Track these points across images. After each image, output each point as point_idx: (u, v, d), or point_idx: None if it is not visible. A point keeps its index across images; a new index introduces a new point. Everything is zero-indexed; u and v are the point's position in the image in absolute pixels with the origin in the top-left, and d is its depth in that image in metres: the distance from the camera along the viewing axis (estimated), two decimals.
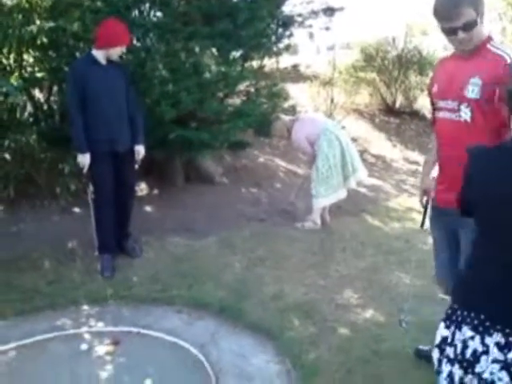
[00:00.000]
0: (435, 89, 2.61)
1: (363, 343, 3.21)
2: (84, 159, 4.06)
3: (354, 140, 8.59)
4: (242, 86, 5.91)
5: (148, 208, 5.48)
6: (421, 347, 3.06)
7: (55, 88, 5.38)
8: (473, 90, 2.38)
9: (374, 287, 3.96)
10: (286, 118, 5.34)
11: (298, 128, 5.12)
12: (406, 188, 7.03)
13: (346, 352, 3.12)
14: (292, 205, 5.50)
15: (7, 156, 5.14)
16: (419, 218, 3.10)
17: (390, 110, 10.10)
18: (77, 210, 5.25)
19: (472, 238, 1.78)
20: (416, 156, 8.53)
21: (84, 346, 3.29)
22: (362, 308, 3.66)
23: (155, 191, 5.87)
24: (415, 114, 10.08)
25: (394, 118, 9.95)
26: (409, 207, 5.93)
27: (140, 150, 4.28)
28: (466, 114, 2.43)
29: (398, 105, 10.18)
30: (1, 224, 4.97)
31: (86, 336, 3.39)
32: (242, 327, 3.44)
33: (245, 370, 3.00)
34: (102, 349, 3.25)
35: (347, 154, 5.13)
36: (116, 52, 4.09)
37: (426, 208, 2.86)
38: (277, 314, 3.56)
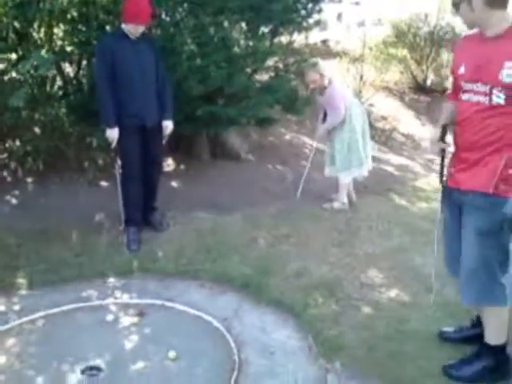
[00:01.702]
0: (462, 71, 2.51)
1: (387, 322, 3.19)
2: (112, 134, 4.08)
3: (383, 118, 8.49)
4: (270, 62, 5.84)
5: (174, 183, 5.50)
6: (445, 329, 3.04)
7: (84, 62, 5.39)
8: (508, 75, 2.31)
9: (399, 267, 3.93)
10: (325, 69, 4.89)
11: (337, 85, 4.89)
12: (434, 168, 6.91)
13: (368, 330, 3.11)
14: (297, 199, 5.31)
15: (37, 129, 5.20)
16: None
17: (420, 87, 9.89)
18: (104, 183, 5.31)
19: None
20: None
21: (110, 317, 3.35)
22: (387, 287, 3.63)
23: (182, 167, 5.88)
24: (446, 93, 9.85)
25: (425, 96, 9.74)
26: (437, 187, 5.78)
27: (168, 125, 4.28)
28: (498, 97, 2.35)
29: (428, 83, 9.96)
30: (31, 196, 5.07)
31: (112, 307, 3.46)
32: (264, 303, 3.46)
33: (266, 343, 3.02)
34: (127, 320, 3.31)
35: (366, 136, 5.05)
36: (138, 29, 4.06)
37: (443, 158, 2.77)
38: (300, 290, 3.57)
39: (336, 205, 5.07)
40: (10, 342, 3.10)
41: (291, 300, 3.44)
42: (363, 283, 3.68)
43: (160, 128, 4.26)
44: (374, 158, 5.75)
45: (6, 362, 2.92)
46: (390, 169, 6.52)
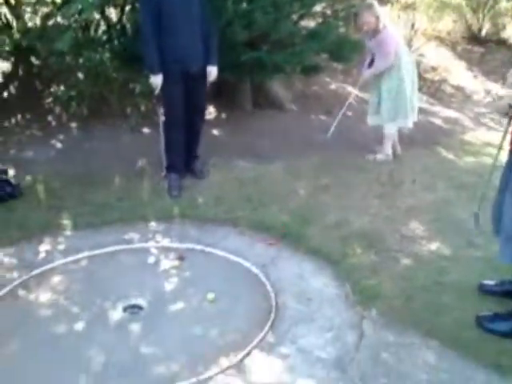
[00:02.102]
0: None
1: (426, 274, 3.15)
2: (156, 80, 4.07)
3: (433, 69, 8.18)
4: (318, 8, 5.65)
5: (215, 131, 5.49)
6: (486, 282, 2.98)
7: (128, 6, 5.35)
8: None
9: (442, 221, 3.84)
10: (380, 12, 4.67)
11: (391, 30, 4.71)
12: (484, 121, 6.67)
13: (407, 281, 3.09)
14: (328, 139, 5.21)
15: (81, 75, 5.24)
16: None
17: (474, 37, 9.44)
18: (146, 130, 5.35)
19: None
20: (498, 88, 8.01)
21: (151, 259, 3.43)
22: (428, 240, 3.57)
23: (223, 115, 5.85)
24: (502, 43, 9.38)
25: (479, 46, 9.31)
26: (486, 142, 5.63)
27: (212, 71, 4.23)
28: None
29: (483, 32, 9.49)
30: (75, 141, 5.16)
31: (153, 250, 3.53)
32: (302, 251, 3.46)
33: (304, 290, 3.04)
34: (167, 263, 3.38)
35: (415, 86, 4.86)
36: None
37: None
38: (339, 240, 3.55)
39: (380, 156, 4.96)
40: (56, 279, 3.22)
41: (329, 249, 3.43)
42: (403, 235, 3.63)
43: (204, 74, 4.22)
44: (422, 110, 5.57)
45: (52, 298, 3.04)
46: (437, 121, 6.32)
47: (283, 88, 6.30)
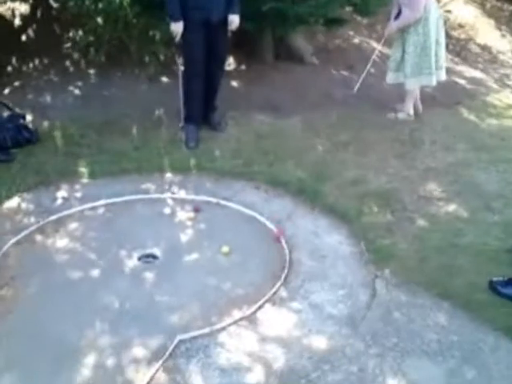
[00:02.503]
0: None
1: (442, 235, 3.14)
2: (177, 27, 3.98)
3: (460, 26, 7.92)
4: None
5: (234, 83, 5.41)
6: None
7: None
8: None
9: (460, 182, 3.79)
10: None
11: None
12: (509, 83, 6.49)
13: (422, 241, 3.08)
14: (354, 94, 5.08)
15: (100, 20, 5.14)
16: None
17: None
18: (165, 79, 5.28)
19: None
20: None
21: (167, 210, 3.45)
22: (446, 202, 3.54)
23: (243, 67, 5.75)
24: None
25: (509, 4, 8.97)
26: (510, 104, 5.50)
27: (234, 20, 4.12)
28: None
29: None
30: (93, 88, 5.12)
31: (169, 201, 3.55)
32: (318, 208, 3.46)
33: (318, 247, 3.05)
34: (183, 214, 3.39)
35: (441, 43, 4.70)
36: None
37: None
38: (355, 199, 3.53)
39: (401, 115, 4.87)
40: (73, 226, 3.26)
41: (345, 207, 3.42)
42: (421, 196, 3.60)
43: (225, 23, 4.12)
44: (446, 69, 5.42)
45: (68, 244, 3.09)
46: (461, 81, 6.15)
47: (305, 41, 6.15)
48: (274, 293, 2.66)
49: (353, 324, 2.47)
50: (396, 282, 2.74)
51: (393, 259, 2.91)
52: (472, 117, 5.17)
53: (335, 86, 5.50)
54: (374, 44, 6.59)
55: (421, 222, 3.29)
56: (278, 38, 5.80)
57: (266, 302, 2.61)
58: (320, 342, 2.37)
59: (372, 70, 5.76)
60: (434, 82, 4.78)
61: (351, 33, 6.76)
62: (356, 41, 6.69)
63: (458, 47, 7.45)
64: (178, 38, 4.05)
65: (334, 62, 6.05)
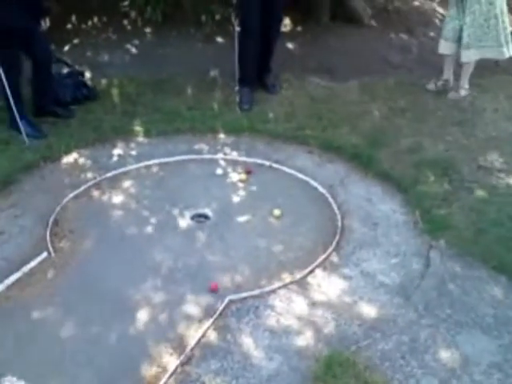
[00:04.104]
0: None
1: (500, 207, 3.02)
2: None
3: None
4: None
5: (290, 45, 5.31)
6: None
7: None
8: None
9: None
10: None
11: None
12: None
13: (479, 213, 2.98)
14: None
15: None
16: None
17: None
18: (220, 39, 5.23)
19: None
20: None
21: (219, 171, 3.46)
22: (506, 173, 3.40)
23: (299, 28, 5.62)
24: None
25: None
26: None
27: None
28: None
29: None
30: (149, 46, 5.14)
31: (221, 162, 3.55)
32: (372, 175, 3.39)
33: (371, 214, 3.00)
34: (235, 176, 3.40)
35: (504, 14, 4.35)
36: None
37: None
38: (411, 166, 3.43)
39: (463, 92, 4.55)
40: (127, 183, 3.32)
41: (400, 175, 3.33)
42: (480, 166, 3.46)
43: None
44: None
45: (123, 200, 3.15)
46: None
47: (363, 2, 5.94)
48: (325, 258, 2.65)
49: (405, 294, 2.43)
50: (451, 253, 2.68)
51: (448, 230, 2.83)
52: None
53: (394, 50, 5.32)
54: (435, 6, 6.32)
55: (479, 193, 3.18)
56: None
57: (317, 267, 2.60)
58: (371, 310, 2.35)
59: (432, 34, 5.55)
60: (502, 56, 4.37)
61: None
62: (416, 3, 6.42)
63: None
64: None
65: (393, 25, 5.84)
